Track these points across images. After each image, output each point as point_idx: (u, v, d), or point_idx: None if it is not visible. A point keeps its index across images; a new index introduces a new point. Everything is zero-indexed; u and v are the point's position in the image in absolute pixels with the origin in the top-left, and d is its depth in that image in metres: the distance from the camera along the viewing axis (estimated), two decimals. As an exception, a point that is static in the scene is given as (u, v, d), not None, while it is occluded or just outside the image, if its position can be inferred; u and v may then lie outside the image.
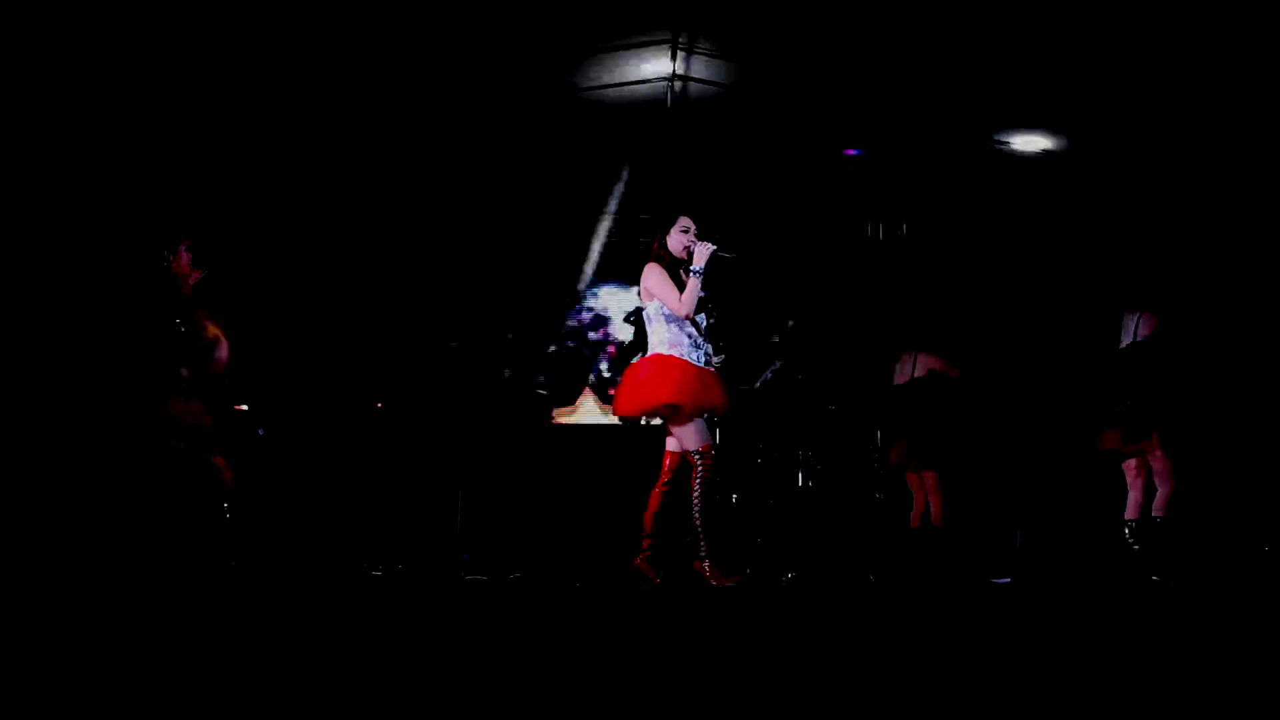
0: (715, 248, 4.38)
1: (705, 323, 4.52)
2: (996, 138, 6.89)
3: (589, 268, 8.99)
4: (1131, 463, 5.25)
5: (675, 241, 4.48)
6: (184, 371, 5.43)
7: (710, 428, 4.60)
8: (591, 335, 9.24)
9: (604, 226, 8.66)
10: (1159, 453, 5.11)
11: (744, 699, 1.75)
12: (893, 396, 6.39)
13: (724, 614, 3.40)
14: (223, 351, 5.58)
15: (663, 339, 4.46)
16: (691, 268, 4.37)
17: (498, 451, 7.40)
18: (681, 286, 4.39)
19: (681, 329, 4.43)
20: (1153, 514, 5.09)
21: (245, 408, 6.95)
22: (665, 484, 4.45)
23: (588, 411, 8.92)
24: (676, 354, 4.41)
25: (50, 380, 5.73)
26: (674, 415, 4.39)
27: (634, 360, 5.25)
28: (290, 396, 7.51)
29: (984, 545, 6.50)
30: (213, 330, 5.51)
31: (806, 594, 4.54)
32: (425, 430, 7.36)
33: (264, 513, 6.63)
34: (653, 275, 4.45)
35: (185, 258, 5.41)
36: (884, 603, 4.02)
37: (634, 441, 8.12)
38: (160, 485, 5.42)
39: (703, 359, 4.46)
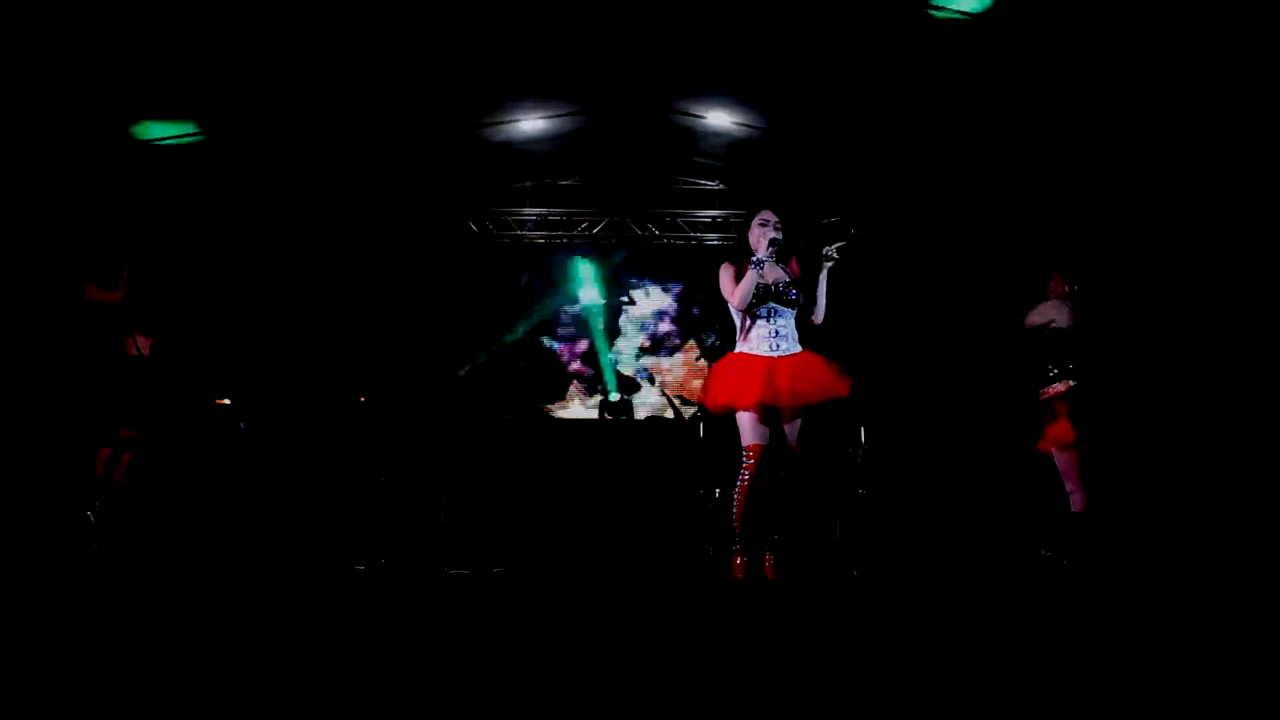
0: (777, 236, 4.35)
1: (787, 314, 4.42)
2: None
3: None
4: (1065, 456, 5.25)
5: (753, 236, 4.45)
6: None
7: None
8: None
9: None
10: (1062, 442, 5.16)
11: (728, 694, 1.75)
12: None
13: (708, 609, 3.40)
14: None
15: (738, 336, 4.49)
16: (752, 259, 4.35)
17: (481, 446, 7.39)
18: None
19: (754, 324, 4.40)
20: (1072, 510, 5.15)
21: (228, 401, 6.92)
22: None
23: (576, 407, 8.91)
24: (747, 349, 4.40)
25: None
26: (733, 409, 4.39)
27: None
28: (273, 391, 7.47)
29: (966, 540, 6.54)
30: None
31: (790, 589, 4.55)
32: (408, 424, 7.34)
33: (247, 508, 6.61)
34: (721, 274, 4.47)
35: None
36: (868, 598, 4.04)
37: (617, 436, 8.14)
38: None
39: (785, 347, 4.39)
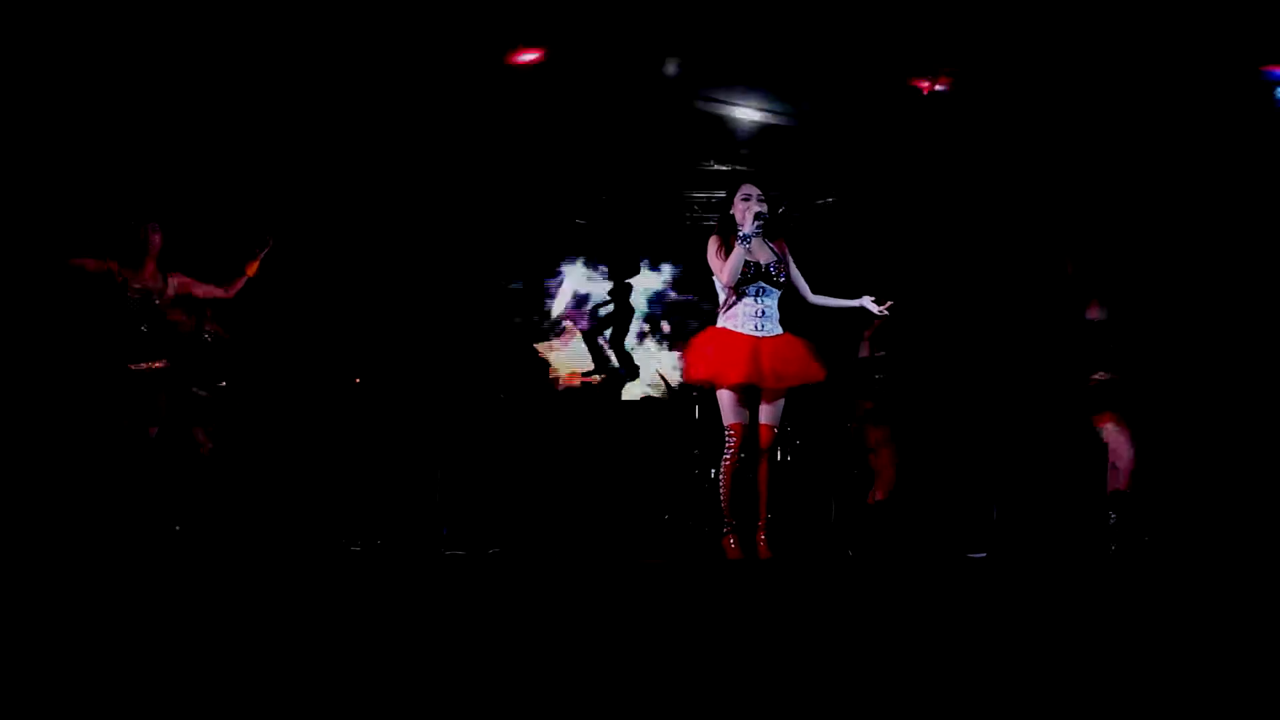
0: (761, 210, 4.30)
1: (774, 294, 4.38)
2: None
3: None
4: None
5: (738, 211, 4.37)
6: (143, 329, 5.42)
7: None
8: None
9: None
10: (1109, 427, 5.15)
11: (722, 674, 1.76)
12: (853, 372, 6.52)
13: (704, 589, 3.41)
14: (196, 290, 5.66)
15: (721, 311, 4.45)
16: (739, 234, 4.29)
17: (476, 426, 7.38)
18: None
19: (738, 300, 4.35)
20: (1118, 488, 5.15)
21: (223, 383, 6.90)
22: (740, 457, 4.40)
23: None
24: (730, 325, 4.36)
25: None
26: (714, 386, 4.37)
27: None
28: (267, 371, 7.45)
29: (959, 520, 6.56)
30: (176, 281, 5.57)
31: (784, 569, 4.57)
32: (404, 405, 7.33)
33: (241, 489, 6.60)
34: (709, 246, 4.41)
35: (155, 238, 5.47)
36: (862, 578, 4.05)
37: (614, 415, 8.14)
38: (124, 461, 5.40)
39: (768, 328, 4.36)
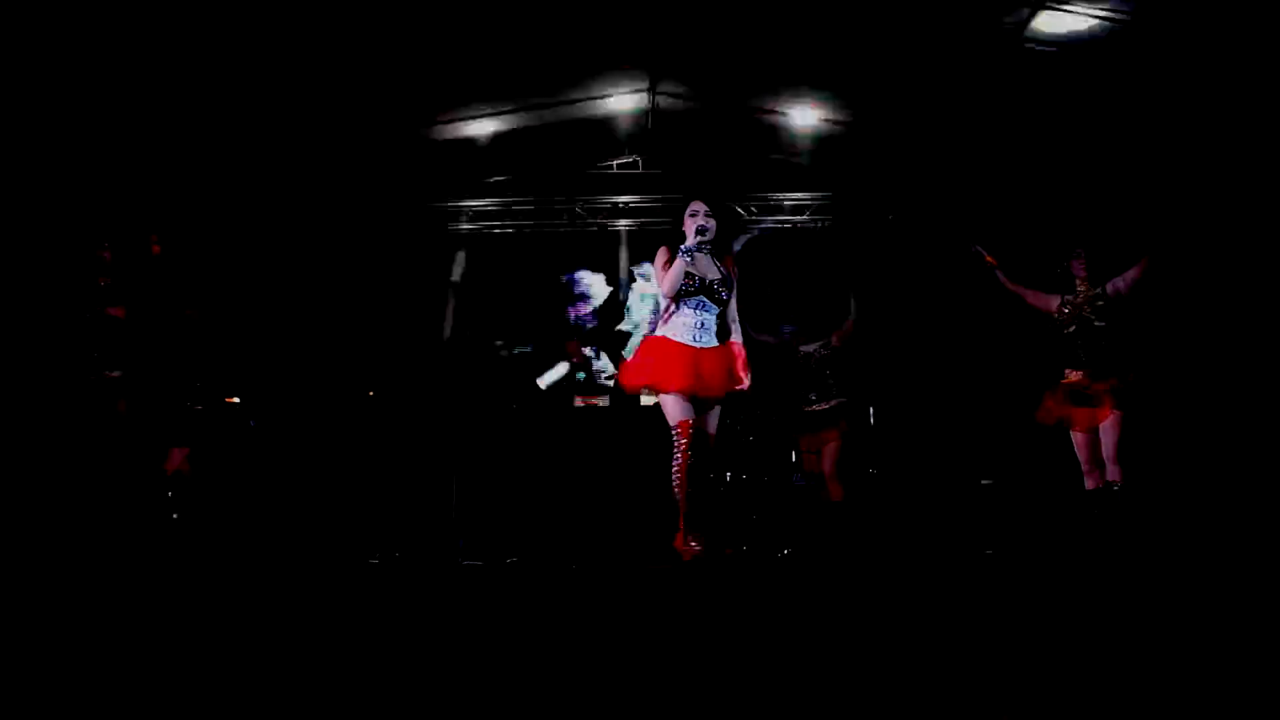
0: (705, 225, 4.41)
1: (714, 310, 4.51)
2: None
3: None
4: (1080, 436, 5.24)
5: (686, 226, 4.52)
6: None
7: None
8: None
9: None
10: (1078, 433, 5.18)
11: (741, 677, 1.76)
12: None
13: (721, 593, 3.41)
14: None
15: (661, 319, 4.56)
16: (682, 247, 4.42)
17: (492, 436, 7.40)
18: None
19: (681, 312, 4.48)
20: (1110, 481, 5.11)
21: (237, 399, 6.95)
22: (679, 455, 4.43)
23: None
24: (670, 335, 4.48)
25: None
26: (655, 391, 4.51)
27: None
28: (282, 387, 7.50)
29: (967, 518, 6.55)
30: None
31: (802, 570, 4.57)
32: (419, 417, 7.35)
33: (260, 505, 6.63)
34: (656, 258, 4.56)
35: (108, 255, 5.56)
36: (877, 577, 4.04)
37: (630, 423, 8.15)
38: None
39: (705, 340, 4.48)
